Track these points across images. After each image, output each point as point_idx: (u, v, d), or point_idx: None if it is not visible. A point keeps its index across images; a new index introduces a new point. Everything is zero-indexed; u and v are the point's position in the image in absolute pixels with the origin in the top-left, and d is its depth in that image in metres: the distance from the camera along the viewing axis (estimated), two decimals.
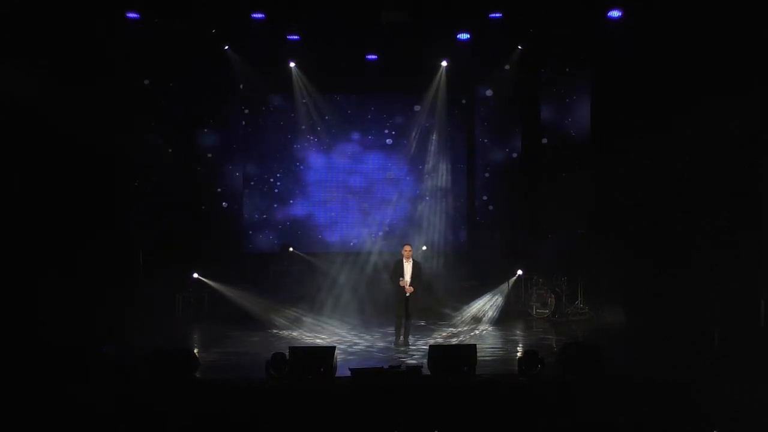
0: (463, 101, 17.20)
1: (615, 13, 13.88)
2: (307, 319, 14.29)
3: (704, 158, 12.71)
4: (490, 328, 14.04)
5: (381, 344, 12.37)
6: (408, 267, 12.05)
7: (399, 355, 11.36)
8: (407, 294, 11.96)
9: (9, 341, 10.34)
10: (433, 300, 15.30)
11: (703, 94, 12.27)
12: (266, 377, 8.90)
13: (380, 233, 16.91)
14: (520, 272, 15.57)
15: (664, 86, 13.21)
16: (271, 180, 17.00)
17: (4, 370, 8.87)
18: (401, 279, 11.95)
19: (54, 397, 8.10)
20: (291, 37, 14.90)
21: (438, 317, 14.98)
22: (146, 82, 15.10)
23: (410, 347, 11.89)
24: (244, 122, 16.86)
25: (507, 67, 16.02)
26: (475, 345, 9.53)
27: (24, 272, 12.06)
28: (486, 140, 17.15)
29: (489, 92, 16.87)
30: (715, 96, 12.01)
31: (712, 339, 10.44)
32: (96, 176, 13.65)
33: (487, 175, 17.14)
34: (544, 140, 16.38)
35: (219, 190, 16.69)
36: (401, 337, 12.09)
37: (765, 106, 11.56)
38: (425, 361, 9.59)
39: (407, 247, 12.23)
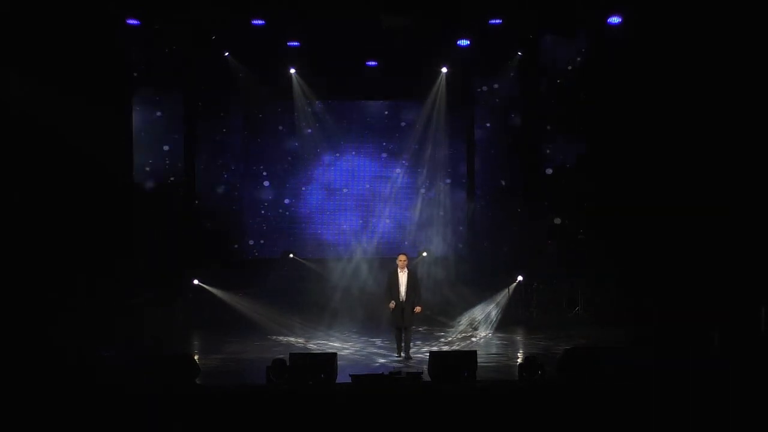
0: (464, 106, 17.20)
1: (615, 20, 13.91)
2: (307, 325, 14.28)
3: (704, 161, 12.74)
4: (490, 334, 14.03)
5: (382, 351, 12.35)
6: (403, 277, 11.57)
7: (400, 362, 11.33)
8: (402, 304, 11.48)
9: (10, 344, 10.35)
10: (434, 306, 15.29)
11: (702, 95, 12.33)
12: (267, 383, 8.89)
13: (379, 239, 16.92)
14: (520, 278, 15.55)
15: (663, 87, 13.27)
16: (268, 185, 17.00)
17: (5, 372, 8.88)
18: (392, 302, 11.44)
19: (53, 400, 8.09)
20: (291, 43, 14.94)
21: (438, 323, 14.96)
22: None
23: (411, 360, 11.43)
24: (244, 126, 16.87)
25: None
26: (475, 351, 9.50)
27: (25, 277, 12.07)
28: (486, 145, 17.14)
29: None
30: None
31: (712, 343, 10.43)
32: (96, 182, 13.66)
33: (487, 179, 17.14)
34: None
35: (220, 193, 16.70)
36: (402, 350, 11.61)
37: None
38: (425, 367, 9.58)
39: (402, 257, 11.73)
